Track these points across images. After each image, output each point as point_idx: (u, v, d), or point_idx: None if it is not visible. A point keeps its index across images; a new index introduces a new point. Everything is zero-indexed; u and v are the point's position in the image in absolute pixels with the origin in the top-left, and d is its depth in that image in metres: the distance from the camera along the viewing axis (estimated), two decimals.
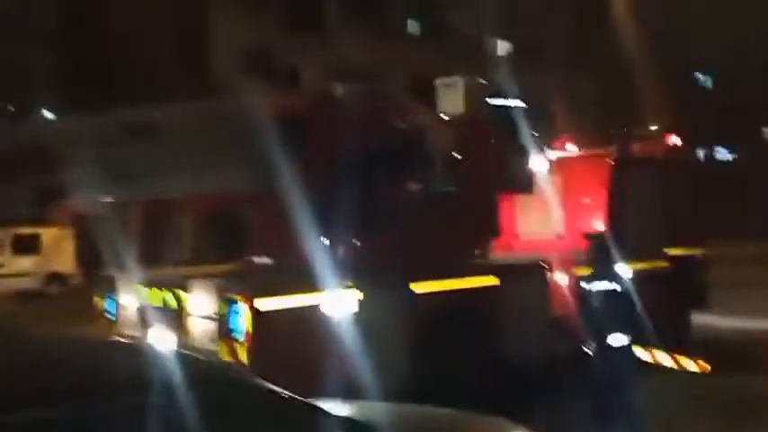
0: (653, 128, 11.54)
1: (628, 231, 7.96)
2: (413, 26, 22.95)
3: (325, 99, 6.59)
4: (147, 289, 6.16)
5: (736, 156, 30.60)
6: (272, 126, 5.73)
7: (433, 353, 6.21)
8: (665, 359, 8.00)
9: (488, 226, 7.24)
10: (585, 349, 5.81)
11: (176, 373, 2.79)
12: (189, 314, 5.71)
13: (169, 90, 7.09)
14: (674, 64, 24.50)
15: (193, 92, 6.99)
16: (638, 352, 7.65)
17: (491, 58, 8.83)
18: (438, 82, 7.62)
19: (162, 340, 5.41)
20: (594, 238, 6.35)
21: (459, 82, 7.61)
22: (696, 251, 9.85)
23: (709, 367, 8.08)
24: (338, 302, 5.75)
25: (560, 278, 7.27)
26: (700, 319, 9.78)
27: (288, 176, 5.65)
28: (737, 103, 28.36)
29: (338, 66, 7.73)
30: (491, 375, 6.42)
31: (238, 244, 6.15)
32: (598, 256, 6.13)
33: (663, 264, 8.97)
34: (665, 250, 9.17)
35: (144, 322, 5.89)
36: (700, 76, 31.30)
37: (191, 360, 3.18)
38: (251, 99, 6.12)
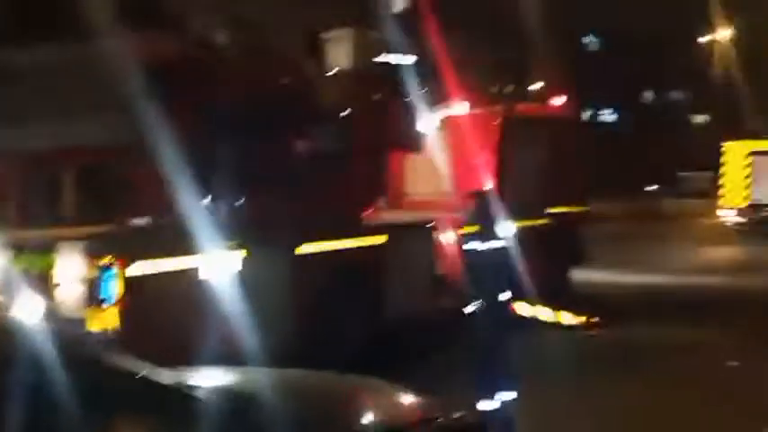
0: (540, 88, 11.77)
1: (513, 190, 8.09)
2: None
3: (206, 48, 6.26)
4: (10, 252, 5.73)
5: (620, 117, 31.97)
6: (150, 75, 5.38)
7: (319, 314, 6.12)
8: (547, 315, 8.27)
9: (376, 185, 7.17)
10: (469, 307, 5.87)
11: (29, 349, 2.57)
12: (56, 279, 5.35)
13: (38, 31, 6.49)
14: (563, 27, 25.13)
15: (66, 34, 6.43)
16: (521, 308, 7.87)
17: (386, 14, 8.66)
18: (325, 35, 7.40)
19: (25, 308, 5.05)
20: (479, 197, 6.39)
21: (347, 36, 7.41)
22: (577, 209, 10.19)
23: (589, 320, 8.44)
24: (219, 264, 5.54)
25: (446, 237, 7.32)
26: (580, 274, 10.17)
27: (165, 130, 5.33)
28: (624, 67, 29.55)
29: (230, 17, 7.37)
30: (376, 335, 6.41)
31: (112, 203, 5.79)
32: (483, 215, 6.16)
33: (545, 222, 9.22)
34: (548, 208, 9.42)
35: (6, 288, 5.48)
36: (589, 39, 32.31)
37: (45, 334, 2.92)
38: (129, 45, 5.71)
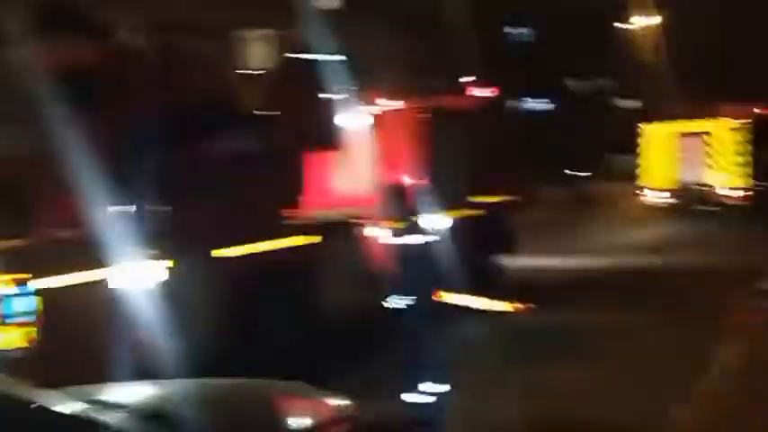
0: (465, 80, 11.86)
1: (440, 182, 8.15)
2: None
3: (125, 53, 6.11)
4: None
5: (549, 105, 32.56)
6: (65, 83, 5.22)
7: (246, 319, 6.04)
8: (479, 303, 8.37)
9: (300, 184, 7.11)
10: (399, 302, 5.89)
11: None
12: None
13: None
14: (489, 18, 25.44)
15: None
16: (452, 299, 7.94)
17: (309, 11, 8.62)
18: (243, 35, 7.30)
19: None
20: (406, 191, 6.41)
21: (268, 36, 7.33)
22: (506, 197, 10.33)
23: (521, 307, 8.58)
24: (140, 274, 5.41)
25: (374, 233, 7.32)
26: (512, 261, 10.32)
27: (83, 139, 5.19)
28: (552, 56, 30.08)
29: (150, 20, 7.22)
30: (307, 335, 6.37)
31: (27, 216, 5.58)
32: (409, 209, 6.19)
33: (474, 212, 9.32)
34: (477, 198, 9.53)
35: None
36: (515, 29, 32.77)
37: None
38: (42, 52, 5.52)
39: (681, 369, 6.38)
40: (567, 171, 24.05)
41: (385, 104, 9.27)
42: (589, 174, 24.37)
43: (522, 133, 15.49)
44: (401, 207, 6.31)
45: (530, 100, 29.56)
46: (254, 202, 6.27)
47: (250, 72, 7.03)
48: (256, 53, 7.28)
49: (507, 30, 32.11)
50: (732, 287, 9.40)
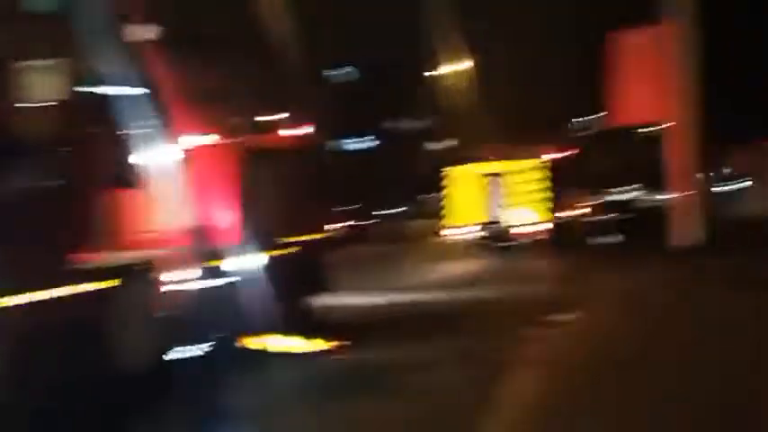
0: (282, 118, 11.85)
1: (250, 222, 8.00)
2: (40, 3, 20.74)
3: None
4: None
5: (369, 144, 33.53)
6: None
7: (20, 378, 5.42)
8: (289, 345, 8.26)
9: (91, 225, 6.64)
10: (200, 348, 5.66)
11: None
12: None
13: None
14: (308, 60, 25.77)
15: None
16: (260, 342, 7.77)
17: (110, 40, 8.20)
18: (29, 64, 6.78)
19: None
20: (211, 231, 6.22)
21: (56, 65, 6.86)
22: (319, 235, 10.34)
23: (332, 345, 8.56)
24: None
25: (172, 277, 6.99)
26: (324, 300, 10.31)
27: None
28: (374, 97, 31.09)
29: None
30: (96, 390, 5.87)
31: None
32: (214, 250, 6.02)
33: (286, 251, 9.24)
34: (288, 237, 9.47)
35: None
36: (336, 72, 33.52)
37: None
38: None
39: (480, 399, 6.61)
40: (380, 209, 24.79)
41: (192, 140, 8.97)
42: (401, 212, 25.27)
43: (338, 172, 15.78)
44: (204, 248, 6.11)
45: (347, 140, 30.25)
46: (35, 245, 5.74)
47: (36, 104, 6.52)
48: (45, 84, 6.77)
49: (327, 71, 32.78)
50: (527, 319, 9.97)
